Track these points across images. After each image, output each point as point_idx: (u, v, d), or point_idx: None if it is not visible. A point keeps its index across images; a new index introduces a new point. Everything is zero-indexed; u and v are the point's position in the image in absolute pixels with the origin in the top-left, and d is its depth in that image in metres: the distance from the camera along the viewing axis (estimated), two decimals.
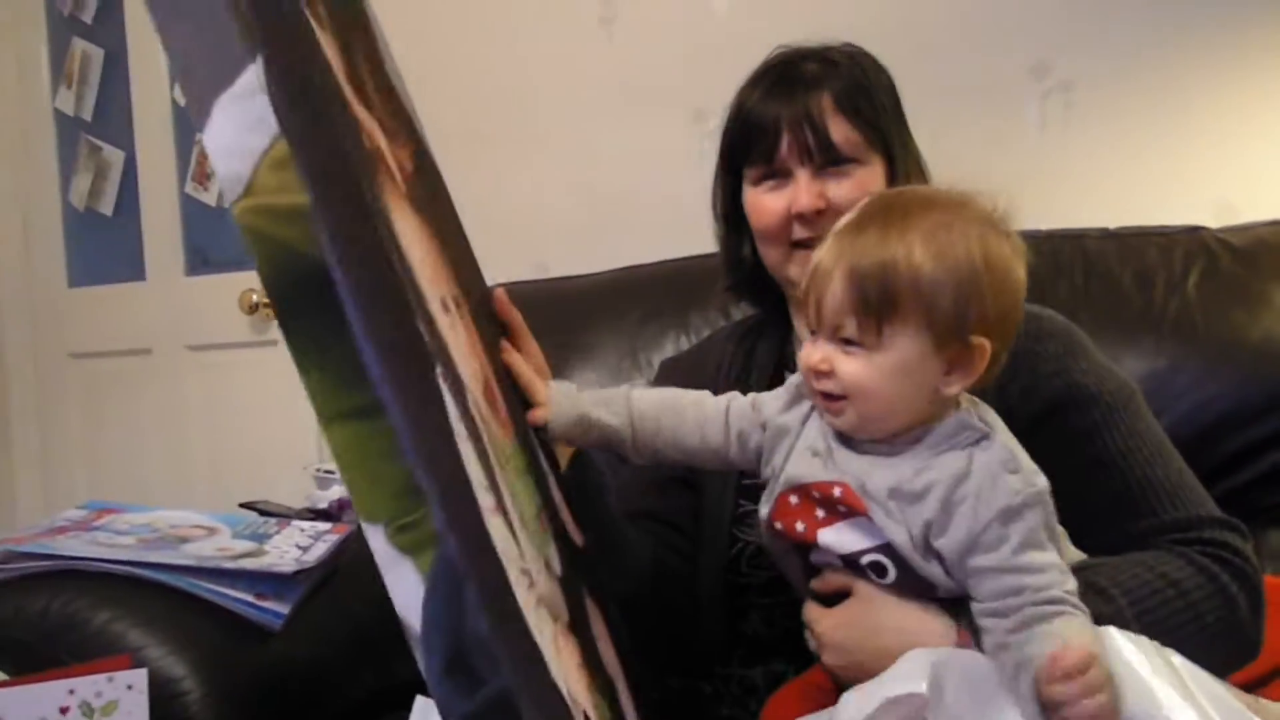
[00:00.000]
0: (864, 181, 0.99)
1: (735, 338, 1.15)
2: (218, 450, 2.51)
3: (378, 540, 0.59)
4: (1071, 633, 0.68)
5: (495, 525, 0.63)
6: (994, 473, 0.73)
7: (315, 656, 1.19)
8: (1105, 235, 1.42)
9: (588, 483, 0.94)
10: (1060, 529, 0.77)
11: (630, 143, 1.93)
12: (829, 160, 0.98)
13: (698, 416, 0.85)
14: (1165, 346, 1.30)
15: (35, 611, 1.12)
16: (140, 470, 2.60)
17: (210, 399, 2.53)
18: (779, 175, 1.01)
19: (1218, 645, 0.82)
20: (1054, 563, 0.72)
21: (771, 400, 0.85)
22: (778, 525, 0.82)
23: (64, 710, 0.94)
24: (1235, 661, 0.84)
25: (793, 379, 0.85)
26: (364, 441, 0.59)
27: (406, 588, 0.59)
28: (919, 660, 0.71)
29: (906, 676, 0.70)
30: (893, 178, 1.01)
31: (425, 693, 0.95)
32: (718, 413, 0.85)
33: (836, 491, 0.78)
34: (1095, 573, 0.78)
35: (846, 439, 0.79)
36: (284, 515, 1.43)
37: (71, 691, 0.94)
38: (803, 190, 0.98)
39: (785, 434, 0.83)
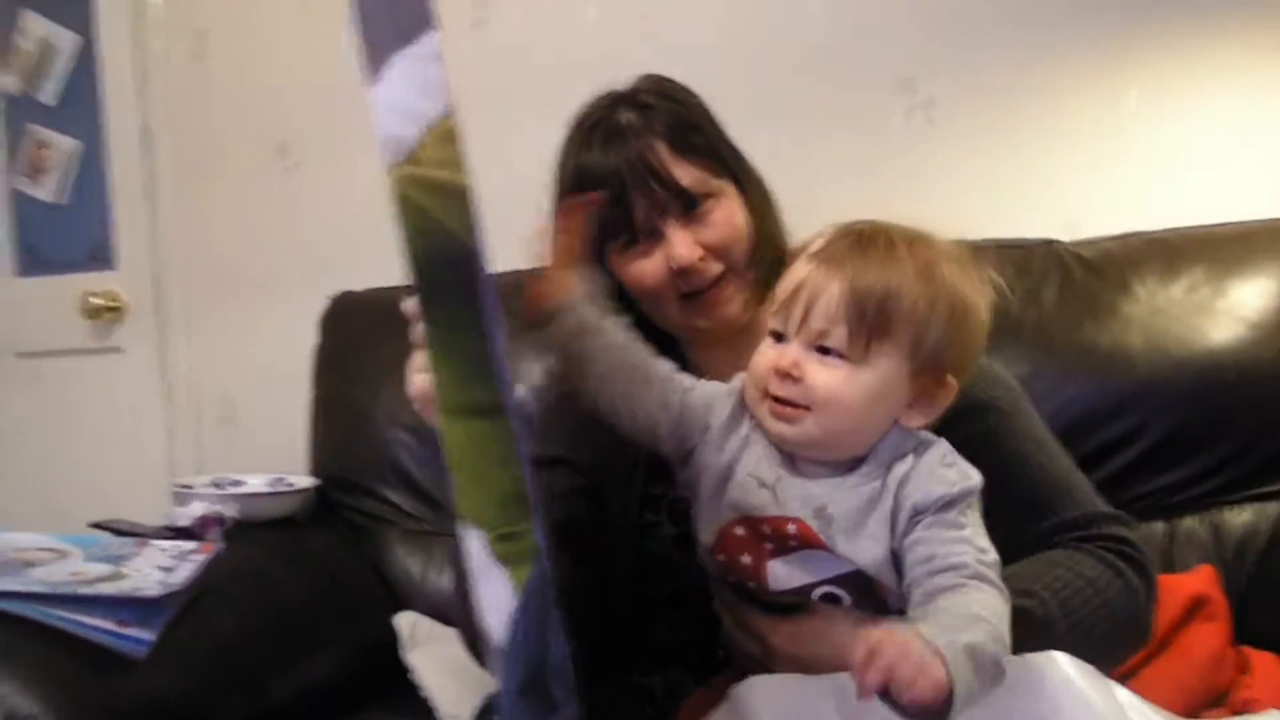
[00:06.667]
0: (728, 212, 0.99)
1: None
2: (53, 467, 2.33)
3: (475, 546, 0.58)
4: (980, 600, 0.69)
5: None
6: (931, 467, 0.77)
7: (183, 684, 1.13)
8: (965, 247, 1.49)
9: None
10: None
11: (499, 147, 1.89)
12: (688, 206, 0.97)
13: (661, 395, 0.83)
14: (1025, 353, 1.37)
15: None
16: None
17: (45, 411, 2.34)
18: (644, 237, 0.98)
19: (1125, 636, 0.89)
20: (977, 544, 0.73)
21: (719, 407, 0.83)
22: (720, 559, 0.81)
23: None
24: (1135, 648, 0.91)
25: (735, 384, 0.84)
26: (481, 441, 0.58)
27: (497, 599, 0.58)
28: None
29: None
30: (745, 194, 1.01)
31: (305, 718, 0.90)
32: (672, 399, 0.84)
33: (790, 528, 0.77)
34: (1020, 578, 0.81)
35: (792, 465, 0.79)
36: (141, 535, 1.34)
37: None
38: (677, 245, 0.96)
39: (722, 454, 0.82)
